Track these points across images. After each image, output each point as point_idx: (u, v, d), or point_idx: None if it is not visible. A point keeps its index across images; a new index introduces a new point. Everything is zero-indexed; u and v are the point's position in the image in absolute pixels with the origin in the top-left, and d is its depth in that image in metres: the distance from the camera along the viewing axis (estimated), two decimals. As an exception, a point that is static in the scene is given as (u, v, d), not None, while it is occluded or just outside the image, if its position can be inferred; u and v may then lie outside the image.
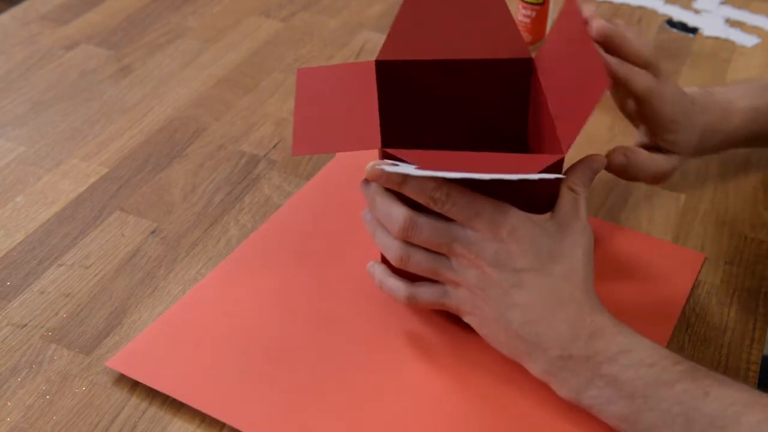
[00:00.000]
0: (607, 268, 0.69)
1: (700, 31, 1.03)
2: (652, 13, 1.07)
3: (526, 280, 0.55)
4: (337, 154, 0.82)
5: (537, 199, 0.58)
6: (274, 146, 0.84)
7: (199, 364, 0.61)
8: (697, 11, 1.07)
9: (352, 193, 0.76)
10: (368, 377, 0.60)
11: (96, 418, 0.58)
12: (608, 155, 0.65)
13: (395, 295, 0.62)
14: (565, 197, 0.58)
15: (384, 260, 0.64)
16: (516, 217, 0.55)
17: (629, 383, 0.52)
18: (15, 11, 1.06)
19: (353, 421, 0.58)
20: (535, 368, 0.56)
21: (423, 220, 0.57)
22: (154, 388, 0.60)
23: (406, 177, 0.56)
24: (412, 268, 0.59)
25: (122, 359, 0.61)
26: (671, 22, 1.05)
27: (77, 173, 0.80)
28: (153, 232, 0.74)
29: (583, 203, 0.59)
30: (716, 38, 1.02)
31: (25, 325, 0.65)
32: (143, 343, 0.63)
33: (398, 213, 0.57)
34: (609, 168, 0.65)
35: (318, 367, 0.61)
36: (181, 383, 0.60)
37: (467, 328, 0.64)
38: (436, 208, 0.56)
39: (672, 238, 0.73)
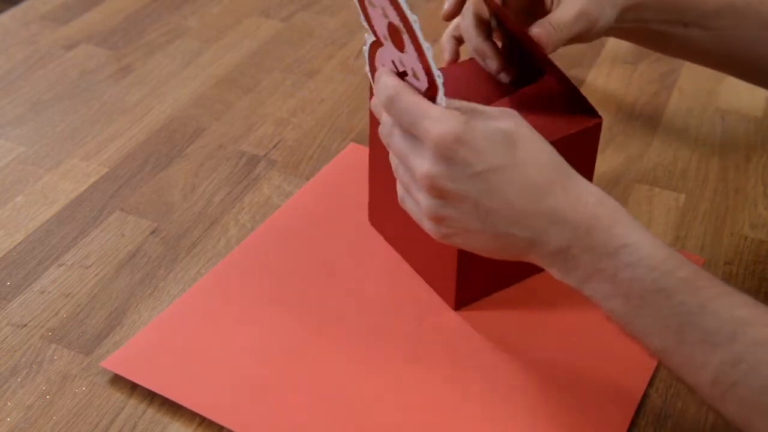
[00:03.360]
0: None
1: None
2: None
3: (493, 180, 0.51)
4: (337, 154, 0.82)
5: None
6: (274, 146, 0.84)
7: (195, 365, 0.61)
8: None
9: (351, 193, 0.76)
10: (366, 378, 0.60)
11: (96, 418, 0.58)
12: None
13: (398, 190, 0.57)
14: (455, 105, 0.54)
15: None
16: (462, 121, 0.51)
17: (626, 283, 0.50)
18: (15, 11, 1.06)
19: (351, 422, 0.58)
20: (535, 260, 0.54)
21: (405, 93, 0.53)
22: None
23: (383, 73, 0.55)
24: (393, 149, 0.55)
25: (118, 360, 0.61)
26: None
27: (77, 173, 0.80)
28: (153, 232, 0.74)
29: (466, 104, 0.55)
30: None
31: (25, 325, 0.65)
32: (139, 343, 0.63)
33: (387, 81, 0.54)
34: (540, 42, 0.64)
35: (316, 368, 0.61)
36: (177, 384, 0.60)
37: (466, 328, 0.64)
38: (387, 111, 0.54)
39: (672, 238, 0.73)
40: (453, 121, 0.51)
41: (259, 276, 0.68)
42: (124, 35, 1.02)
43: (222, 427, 0.58)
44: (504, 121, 0.53)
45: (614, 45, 1.00)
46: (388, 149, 0.56)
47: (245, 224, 0.74)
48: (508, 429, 0.57)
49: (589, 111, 0.62)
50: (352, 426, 0.57)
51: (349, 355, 0.62)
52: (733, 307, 0.49)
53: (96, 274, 0.70)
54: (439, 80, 0.53)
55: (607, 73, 0.95)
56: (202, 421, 0.58)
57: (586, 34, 0.67)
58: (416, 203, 0.55)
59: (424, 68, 0.54)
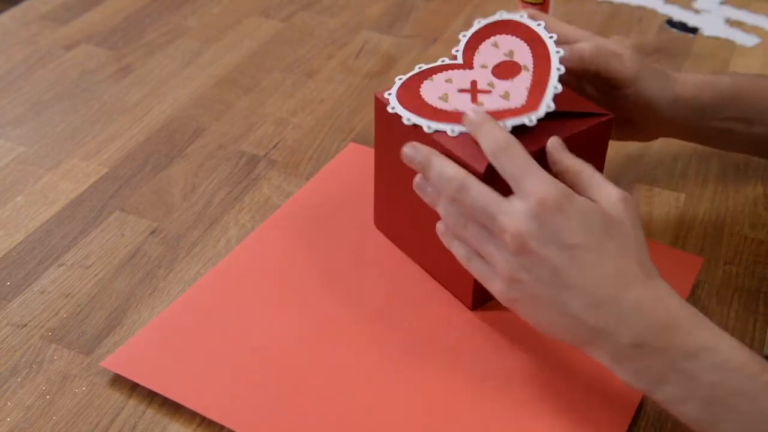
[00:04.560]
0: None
1: (700, 31, 1.03)
2: (652, 13, 1.07)
3: (580, 258, 0.51)
4: (337, 154, 0.82)
5: None
6: (274, 146, 0.84)
7: (195, 365, 0.61)
8: (697, 11, 1.07)
9: (351, 193, 0.76)
10: (366, 379, 0.60)
11: (96, 418, 0.58)
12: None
13: (455, 254, 0.59)
14: (584, 181, 0.56)
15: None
16: (567, 194, 0.52)
17: (707, 386, 0.48)
18: (15, 11, 1.06)
19: (351, 422, 0.58)
20: (600, 355, 0.52)
21: (474, 183, 0.55)
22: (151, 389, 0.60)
23: (488, 120, 0.57)
24: (465, 241, 0.57)
25: (118, 360, 0.61)
26: (671, 22, 1.05)
27: (77, 173, 0.80)
28: (153, 232, 0.74)
29: (598, 177, 0.56)
30: (716, 38, 1.02)
31: (25, 325, 0.65)
32: (139, 343, 0.63)
33: (452, 171, 0.56)
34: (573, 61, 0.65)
35: (316, 368, 0.61)
36: (177, 384, 0.60)
37: (469, 329, 0.64)
38: (495, 164, 0.55)
39: (672, 237, 0.73)
40: (559, 188, 0.53)
41: (259, 276, 0.68)
42: (124, 35, 1.02)
43: (222, 427, 0.58)
44: (612, 206, 0.54)
45: (614, 45, 1.00)
46: (454, 203, 0.57)
47: (245, 224, 0.74)
48: (507, 428, 0.57)
49: (597, 110, 0.63)
50: (353, 426, 0.57)
51: (349, 355, 0.62)
52: None
53: (96, 274, 0.70)
54: (550, 107, 0.60)
55: (607, 73, 0.95)
56: (202, 421, 0.58)
57: (641, 112, 0.67)
58: (489, 261, 0.55)
59: (533, 92, 0.61)
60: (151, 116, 0.88)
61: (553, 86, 0.61)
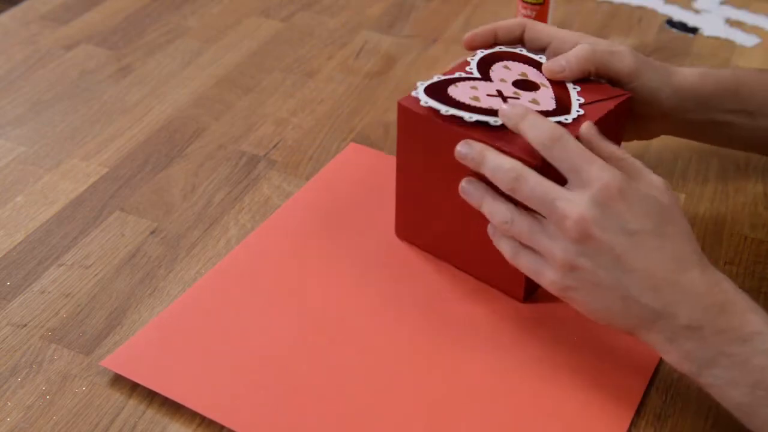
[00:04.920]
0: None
1: (700, 31, 1.03)
2: (652, 13, 1.07)
3: (642, 242, 0.52)
4: (337, 154, 0.82)
5: None
6: (274, 146, 0.84)
7: (195, 365, 0.61)
8: (697, 11, 1.07)
9: (351, 193, 0.76)
10: (367, 378, 0.60)
11: (96, 418, 0.58)
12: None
13: (502, 251, 0.60)
14: (627, 169, 0.56)
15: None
16: (626, 180, 0.54)
17: (758, 371, 0.49)
18: (15, 11, 1.06)
19: (351, 422, 0.58)
20: (655, 338, 0.53)
21: (530, 173, 0.56)
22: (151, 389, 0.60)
23: (529, 111, 0.57)
24: (516, 235, 0.58)
25: (118, 359, 0.61)
26: (671, 22, 1.05)
27: (77, 173, 0.80)
28: (153, 232, 0.74)
29: (640, 165, 0.57)
30: (716, 38, 1.02)
31: (25, 325, 0.65)
32: (139, 343, 0.63)
33: (509, 163, 0.57)
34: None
35: (316, 368, 0.61)
36: (177, 384, 0.60)
37: (467, 329, 0.64)
38: (546, 155, 0.55)
39: (672, 238, 0.73)
40: (618, 174, 0.54)
41: (259, 276, 0.68)
42: (124, 35, 1.02)
43: (222, 427, 0.58)
44: (661, 193, 0.55)
45: (614, 45, 1.00)
46: (512, 192, 0.57)
47: (245, 224, 0.74)
48: (507, 428, 0.57)
49: (616, 92, 0.65)
50: (354, 426, 0.57)
51: (349, 355, 0.62)
52: None
53: (96, 274, 0.70)
54: (576, 112, 0.62)
55: (607, 73, 0.95)
56: (202, 421, 0.58)
57: (642, 108, 0.67)
58: (542, 251, 0.56)
59: (559, 100, 0.63)
60: (151, 116, 0.88)
61: (576, 98, 0.64)
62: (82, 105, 0.90)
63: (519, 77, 0.65)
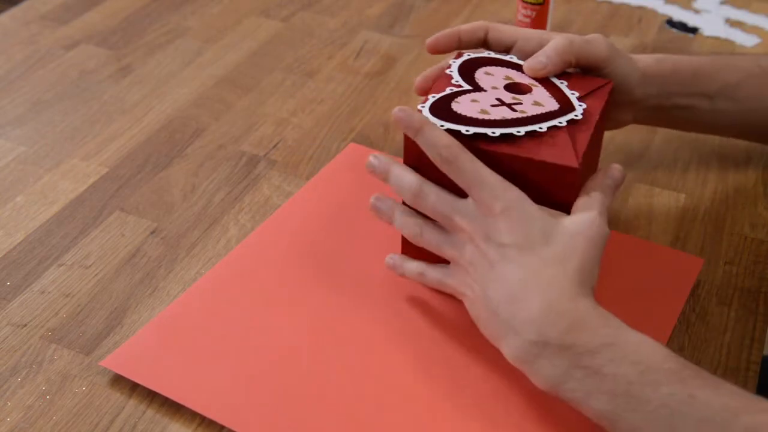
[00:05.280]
0: (604, 274, 0.69)
1: (700, 31, 1.03)
2: (652, 13, 1.07)
3: (510, 255, 0.55)
4: (337, 154, 0.82)
5: (552, 193, 0.59)
6: (274, 146, 0.84)
7: (195, 365, 0.61)
8: (697, 11, 1.07)
9: (351, 193, 0.76)
10: (367, 378, 0.60)
11: (96, 418, 0.58)
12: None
13: (410, 274, 0.65)
14: (582, 197, 0.59)
15: (403, 250, 0.67)
16: (515, 195, 0.56)
17: (611, 378, 0.50)
18: (15, 11, 1.06)
19: (351, 422, 0.58)
20: (510, 353, 0.55)
21: (430, 188, 0.60)
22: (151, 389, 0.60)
23: (425, 124, 0.59)
24: (425, 245, 0.61)
25: (118, 359, 0.61)
26: (671, 22, 1.05)
27: (77, 173, 0.80)
28: (153, 232, 0.74)
29: (600, 203, 0.58)
30: (716, 38, 1.02)
31: (25, 325, 0.65)
32: (139, 343, 0.63)
33: (409, 179, 0.60)
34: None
35: (316, 368, 0.61)
36: (177, 384, 0.60)
37: (468, 330, 0.64)
38: (442, 167, 0.58)
39: (672, 238, 0.73)
40: (507, 196, 0.56)
41: (259, 276, 0.68)
42: (124, 35, 1.02)
43: (222, 427, 0.58)
44: (578, 220, 0.57)
45: (614, 45, 1.00)
46: (416, 207, 0.61)
47: (245, 224, 0.74)
48: (507, 429, 0.57)
49: (599, 82, 0.66)
50: (354, 426, 0.57)
51: (349, 355, 0.62)
52: (723, 395, 0.49)
53: (96, 274, 0.70)
54: (580, 107, 0.63)
55: (607, 73, 0.95)
56: (202, 421, 0.58)
57: (614, 96, 0.68)
58: (449, 259, 0.61)
59: (557, 98, 0.64)
60: (151, 116, 0.88)
61: (570, 93, 0.64)
62: (82, 105, 0.90)
63: (506, 81, 0.65)
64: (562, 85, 0.65)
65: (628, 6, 1.08)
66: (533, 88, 0.65)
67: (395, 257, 0.66)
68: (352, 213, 0.74)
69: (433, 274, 0.63)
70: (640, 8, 1.08)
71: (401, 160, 0.63)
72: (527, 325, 0.53)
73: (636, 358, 0.51)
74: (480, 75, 0.66)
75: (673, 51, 0.99)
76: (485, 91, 0.64)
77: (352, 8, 1.07)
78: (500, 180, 0.57)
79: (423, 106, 0.62)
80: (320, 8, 1.08)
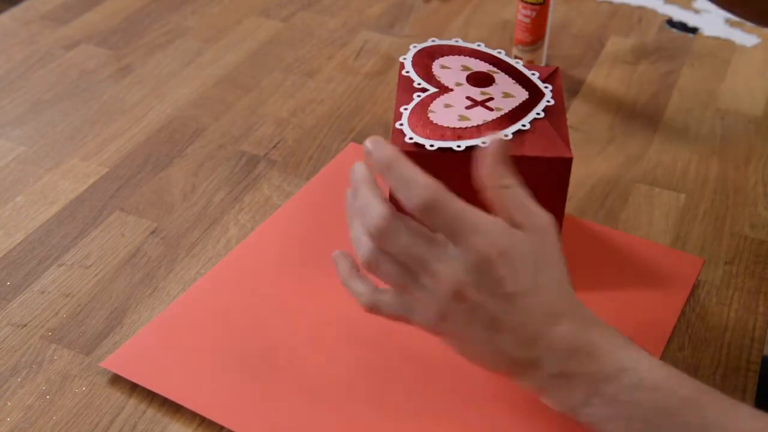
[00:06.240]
0: (604, 274, 0.69)
1: (700, 31, 1.03)
2: (652, 13, 1.07)
3: (519, 304, 0.50)
4: (337, 154, 0.82)
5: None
6: (274, 146, 0.84)
7: (195, 365, 0.61)
8: (697, 11, 1.07)
9: (352, 193, 0.76)
10: (367, 378, 0.60)
11: (96, 418, 0.58)
12: None
13: (357, 298, 0.55)
14: (507, 198, 0.52)
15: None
16: (507, 236, 0.50)
17: (628, 405, 0.50)
18: (15, 11, 1.06)
19: (351, 423, 0.58)
20: (526, 385, 0.53)
21: (402, 225, 0.50)
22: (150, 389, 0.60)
23: (397, 159, 0.49)
24: (381, 277, 0.52)
25: (117, 360, 0.61)
26: (671, 22, 1.05)
27: (77, 173, 0.80)
28: (153, 232, 0.74)
29: (524, 196, 0.52)
30: (716, 38, 1.02)
31: (25, 325, 0.65)
32: (139, 343, 0.63)
33: (377, 209, 0.50)
34: None
35: (316, 368, 0.61)
36: (177, 384, 0.60)
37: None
38: (421, 216, 0.49)
39: (672, 238, 0.73)
40: (500, 238, 0.50)
41: (259, 276, 0.68)
42: (124, 35, 1.02)
43: (222, 427, 0.58)
44: (543, 235, 0.52)
45: (614, 45, 1.00)
46: (380, 246, 0.51)
47: (245, 224, 0.74)
48: (507, 429, 0.57)
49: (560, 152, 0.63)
50: (354, 426, 0.57)
51: (349, 355, 0.62)
52: (739, 420, 0.48)
53: (96, 274, 0.70)
54: (547, 90, 0.63)
55: (607, 74, 0.95)
56: (202, 421, 0.58)
57: None
58: (414, 297, 0.52)
59: (522, 83, 0.64)
60: (151, 116, 0.88)
61: (531, 73, 0.66)
62: (82, 105, 0.90)
63: (465, 72, 0.66)
64: (519, 65, 0.66)
65: (628, 6, 1.08)
66: (494, 75, 0.65)
67: (342, 263, 0.57)
68: (352, 213, 0.74)
69: (391, 308, 0.54)
70: (640, 8, 1.08)
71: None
72: (549, 362, 0.51)
73: (652, 384, 0.50)
74: (438, 70, 0.66)
75: (673, 51, 0.99)
76: (452, 90, 0.64)
77: (352, 8, 1.07)
78: (489, 220, 0.50)
79: (401, 123, 0.62)
80: (320, 8, 1.08)
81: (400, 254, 0.51)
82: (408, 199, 0.49)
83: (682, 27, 1.04)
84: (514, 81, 0.64)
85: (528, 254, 0.51)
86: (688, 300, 0.67)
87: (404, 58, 0.68)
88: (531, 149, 0.59)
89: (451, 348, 0.54)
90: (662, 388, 0.50)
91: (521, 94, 0.63)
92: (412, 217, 0.50)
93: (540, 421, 0.58)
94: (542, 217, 0.52)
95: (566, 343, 0.51)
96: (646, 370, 0.50)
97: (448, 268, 0.49)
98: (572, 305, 0.53)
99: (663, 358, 0.62)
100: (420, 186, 0.48)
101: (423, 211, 0.49)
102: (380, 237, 0.50)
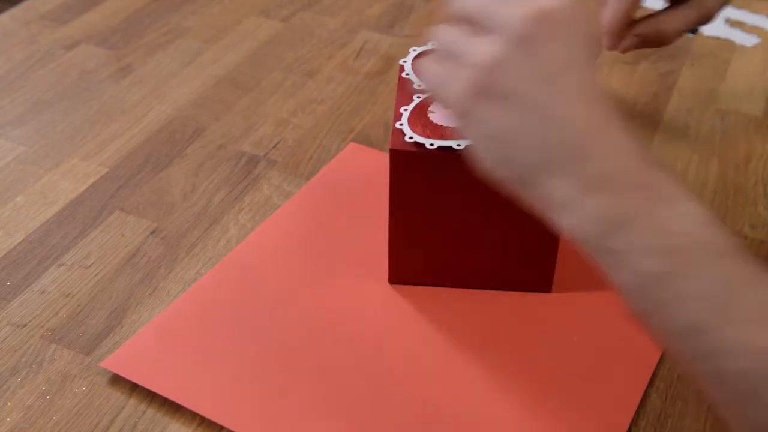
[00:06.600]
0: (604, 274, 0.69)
1: (700, 31, 1.03)
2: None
3: (570, 79, 0.44)
4: (337, 154, 0.82)
5: None
6: (274, 146, 0.84)
7: (195, 365, 0.61)
8: (697, 11, 1.07)
9: (351, 193, 0.76)
10: (367, 380, 0.60)
11: (96, 418, 0.58)
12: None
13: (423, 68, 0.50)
14: None
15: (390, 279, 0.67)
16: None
17: (677, 236, 0.42)
18: (15, 11, 1.06)
19: (351, 423, 0.58)
20: (553, 189, 0.44)
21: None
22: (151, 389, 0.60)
23: None
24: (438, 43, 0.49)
25: (118, 360, 0.61)
26: (671, 22, 1.05)
27: (77, 173, 0.80)
28: (153, 232, 0.74)
29: None
30: (716, 38, 1.02)
31: (25, 325, 0.65)
32: (139, 343, 0.63)
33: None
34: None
35: (316, 369, 0.61)
36: (177, 384, 0.60)
37: (468, 332, 0.64)
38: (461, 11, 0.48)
39: (672, 238, 0.73)
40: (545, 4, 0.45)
41: (259, 276, 0.68)
42: (124, 35, 1.02)
43: (222, 427, 0.58)
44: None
45: (614, 45, 1.00)
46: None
47: (245, 224, 0.74)
48: (507, 429, 0.57)
49: None
50: (353, 426, 0.57)
51: (349, 356, 0.62)
52: None
53: (96, 274, 0.70)
54: None
55: (607, 73, 0.95)
56: (202, 421, 0.58)
57: None
58: (455, 60, 0.47)
59: None
60: (151, 116, 0.88)
61: None
62: (82, 105, 0.90)
63: None
64: None
65: (628, 6, 1.08)
66: None
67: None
68: (352, 213, 0.74)
69: (431, 72, 0.49)
70: (640, 8, 1.08)
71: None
72: (599, 150, 0.44)
73: (707, 219, 0.42)
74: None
75: (673, 51, 0.99)
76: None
77: (352, 8, 1.07)
78: None
79: (400, 124, 0.62)
80: (320, 8, 1.08)
81: (444, 41, 0.48)
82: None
83: (682, 27, 1.04)
84: None
85: (577, 26, 0.45)
86: (688, 300, 0.67)
87: (404, 61, 0.68)
88: None
89: (474, 148, 0.47)
90: (714, 227, 0.42)
91: None
92: None
93: (539, 423, 0.58)
94: None
95: (628, 141, 0.44)
96: (701, 207, 0.43)
97: (489, 42, 0.45)
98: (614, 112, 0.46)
99: (661, 359, 0.62)
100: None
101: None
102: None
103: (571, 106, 0.44)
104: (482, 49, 0.45)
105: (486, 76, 0.45)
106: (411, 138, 0.61)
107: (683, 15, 0.70)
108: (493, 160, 0.47)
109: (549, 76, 0.44)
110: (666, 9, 0.72)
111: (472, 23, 0.47)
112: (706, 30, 1.03)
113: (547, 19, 0.45)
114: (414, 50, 0.69)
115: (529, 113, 0.44)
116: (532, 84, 0.44)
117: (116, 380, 0.61)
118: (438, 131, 0.61)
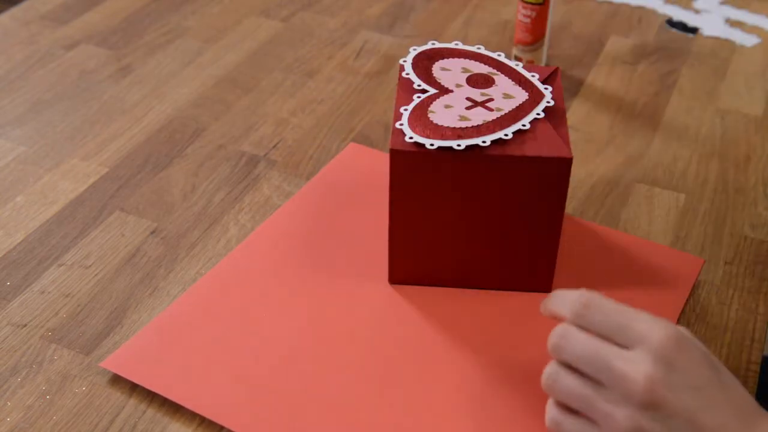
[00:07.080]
0: (604, 274, 0.69)
1: (700, 31, 1.03)
2: (652, 13, 1.07)
3: (711, 397, 0.47)
4: (337, 154, 0.82)
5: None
6: (274, 146, 0.84)
7: (195, 365, 0.61)
8: (697, 11, 1.07)
9: (351, 193, 0.76)
10: (366, 378, 0.60)
11: (96, 418, 0.58)
12: None
13: (547, 418, 0.52)
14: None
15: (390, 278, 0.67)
16: (673, 325, 0.49)
17: None
18: (15, 11, 1.06)
19: (351, 422, 0.58)
20: None
21: (577, 331, 0.50)
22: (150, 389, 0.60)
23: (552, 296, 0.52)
24: (560, 395, 0.51)
25: (117, 360, 0.61)
26: (671, 22, 1.05)
27: (77, 173, 0.80)
28: (153, 232, 0.74)
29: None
30: (716, 38, 1.02)
31: (25, 325, 0.65)
32: (139, 343, 0.63)
33: (573, 294, 0.52)
34: None
35: (315, 368, 0.61)
36: (177, 384, 0.60)
37: (468, 332, 0.64)
38: (583, 322, 0.50)
39: (672, 238, 0.73)
40: (669, 324, 0.49)
41: (259, 276, 0.68)
42: (124, 35, 1.02)
43: (222, 427, 0.58)
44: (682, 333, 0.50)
45: (614, 45, 1.00)
46: (556, 353, 0.51)
47: (245, 224, 0.74)
48: (507, 428, 0.57)
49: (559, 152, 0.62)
50: (353, 426, 0.57)
51: (349, 356, 0.62)
52: None
53: (96, 274, 0.70)
54: (548, 92, 0.64)
55: (607, 74, 0.95)
56: (202, 421, 0.58)
57: None
58: (596, 417, 0.49)
59: (522, 85, 0.65)
60: (151, 116, 0.88)
61: (531, 75, 0.66)
62: (82, 105, 0.90)
63: (465, 74, 0.66)
64: (518, 67, 0.67)
65: (628, 6, 1.08)
66: (494, 77, 0.66)
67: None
68: (352, 213, 0.74)
69: (569, 427, 0.51)
70: (640, 8, 1.08)
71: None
72: None
73: None
74: (438, 72, 0.67)
75: (673, 51, 0.99)
76: (452, 91, 0.64)
77: (352, 8, 1.07)
78: (647, 313, 0.50)
79: (400, 123, 0.62)
80: (320, 8, 1.08)
81: (579, 358, 0.50)
82: (569, 310, 0.51)
83: (682, 27, 1.04)
84: (514, 82, 0.65)
85: (699, 349, 0.49)
86: (688, 300, 0.67)
87: (404, 61, 0.68)
88: (531, 149, 0.59)
89: None
90: None
91: (521, 95, 0.63)
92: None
93: (541, 422, 0.58)
94: (668, 324, 0.50)
95: None
96: None
97: (635, 366, 0.48)
98: (755, 404, 0.49)
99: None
100: (576, 295, 0.51)
101: (584, 310, 0.50)
102: (559, 342, 0.51)
103: (721, 418, 0.47)
104: (622, 415, 0.48)
105: (637, 418, 0.48)
106: (411, 138, 0.61)
107: None
108: None
109: (696, 393, 0.47)
110: None
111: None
112: (706, 30, 1.03)
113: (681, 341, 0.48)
114: (414, 50, 0.69)
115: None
116: (685, 408, 0.47)
117: (116, 380, 0.61)
118: (438, 131, 0.61)
